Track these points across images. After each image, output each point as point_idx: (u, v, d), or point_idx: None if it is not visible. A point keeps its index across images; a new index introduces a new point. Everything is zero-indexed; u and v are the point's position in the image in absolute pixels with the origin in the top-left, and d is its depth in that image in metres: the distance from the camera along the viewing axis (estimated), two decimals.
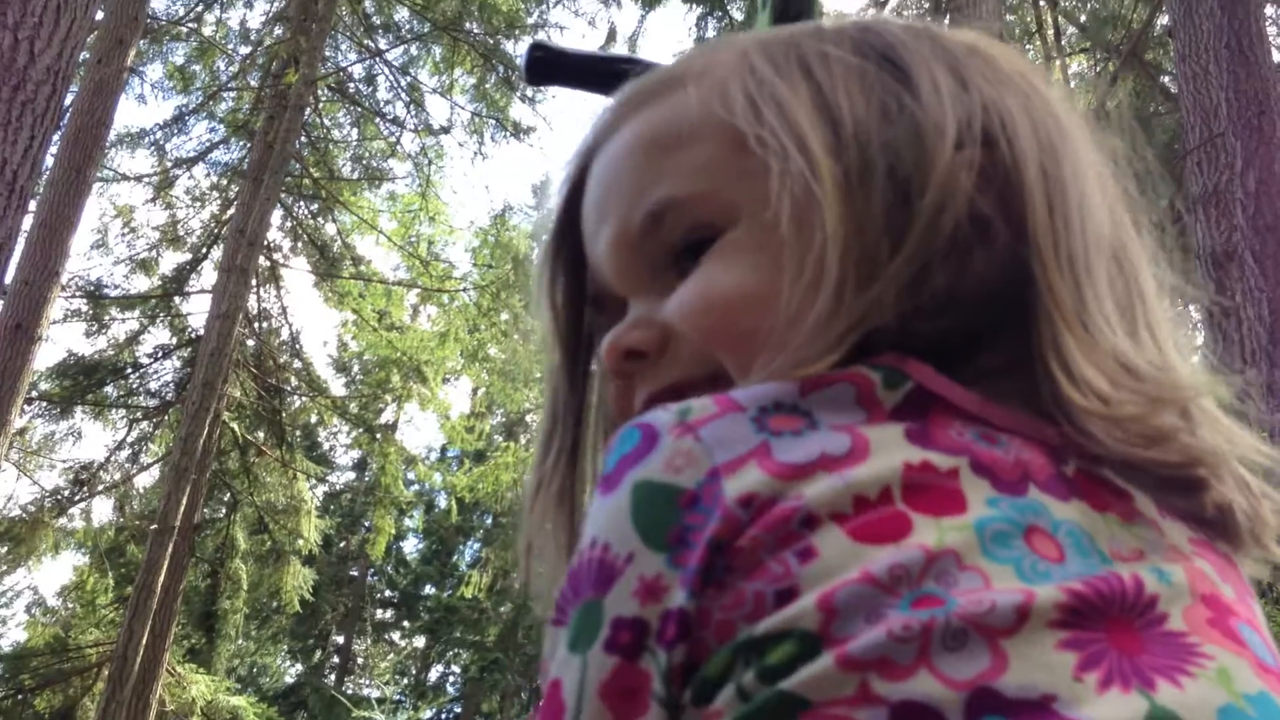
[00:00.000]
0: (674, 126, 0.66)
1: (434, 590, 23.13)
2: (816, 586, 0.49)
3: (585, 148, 0.73)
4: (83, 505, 13.09)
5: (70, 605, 14.88)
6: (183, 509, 10.32)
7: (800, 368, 0.56)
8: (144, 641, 10.03)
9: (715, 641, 0.51)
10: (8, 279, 7.97)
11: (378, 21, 12.94)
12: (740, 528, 0.51)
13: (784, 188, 0.60)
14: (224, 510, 14.28)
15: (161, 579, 10.23)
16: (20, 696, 13.48)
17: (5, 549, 13.05)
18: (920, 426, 0.54)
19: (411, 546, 23.92)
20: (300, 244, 13.09)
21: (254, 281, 11.82)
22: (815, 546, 0.50)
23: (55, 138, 8.68)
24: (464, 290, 13.74)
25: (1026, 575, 0.49)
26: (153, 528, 10.72)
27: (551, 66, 1.20)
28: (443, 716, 23.21)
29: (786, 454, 0.53)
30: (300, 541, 13.42)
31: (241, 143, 13.10)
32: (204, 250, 13.06)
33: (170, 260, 13.11)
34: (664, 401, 0.61)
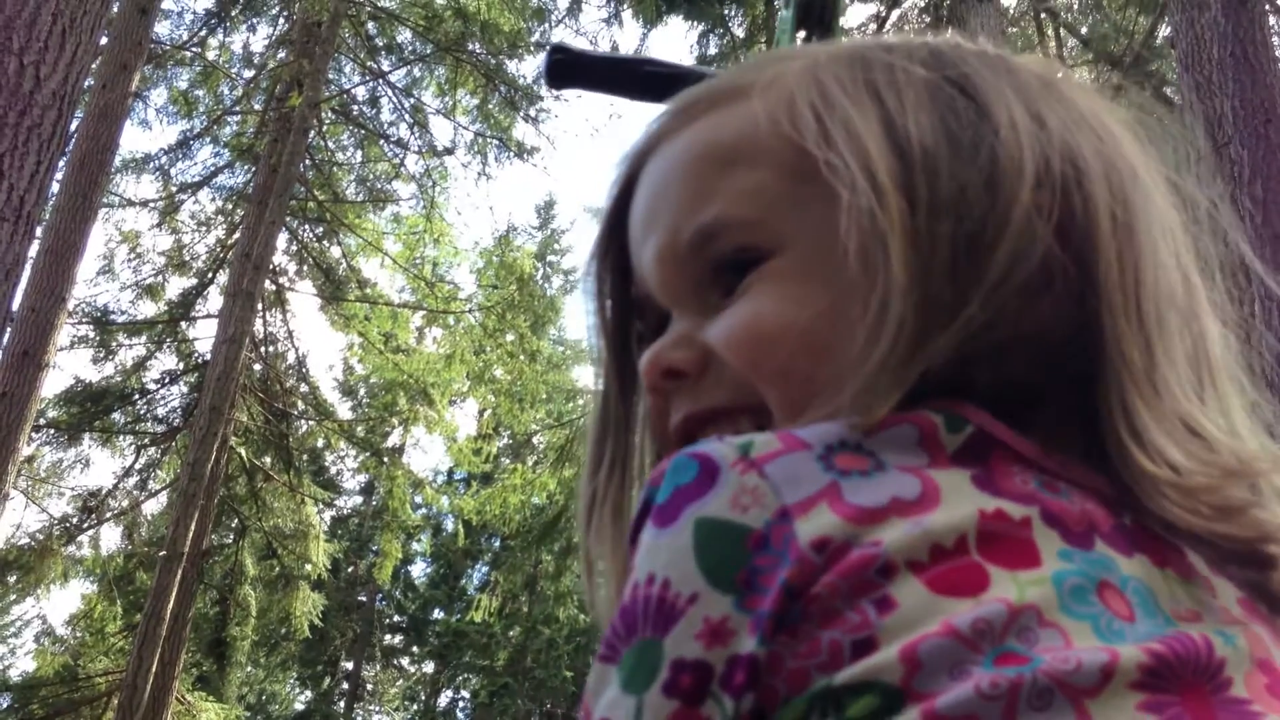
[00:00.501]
0: (735, 141, 0.64)
1: (442, 614, 23.06)
2: (898, 638, 0.47)
3: (640, 149, 0.70)
4: (91, 533, 13.08)
5: (79, 634, 14.87)
6: (191, 535, 10.31)
7: (863, 410, 0.55)
8: (153, 669, 10.01)
9: (788, 690, 0.49)
10: (15, 306, 7.98)
11: (380, 43, 12.99)
12: (815, 573, 0.49)
13: (851, 220, 0.57)
14: (232, 536, 14.27)
15: (170, 606, 10.20)
16: None
17: (14, 578, 13.02)
18: (984, 473, 0.53)
19: (420, 571, 23.87)
20: (306, 267, 13.10)
21: (260, 305, 11.83)
22: (894, 597, 0.48)
23: (61, 164, 8.71)
24: (469, 311, 13.75)
25: (1104, 634, 0.48)
26: (161, 554, 10.70)
27: (571, 69, 1.18)
28: None
29: (857, 496, 0.51)
30: (309, 566, 13.40)
31: (246, 167, 13.14)
32: (210, 275, 13.08)
33: (176, 285, 13.15)
34: (699, 424, 0.62)
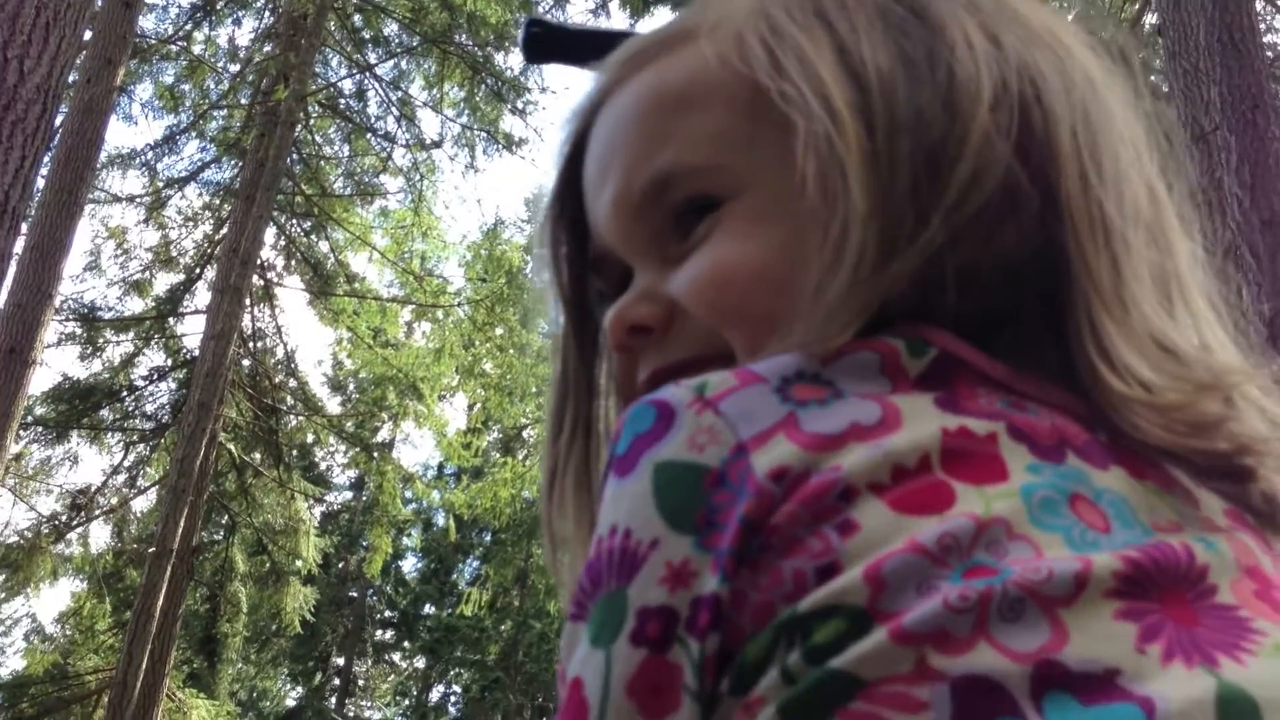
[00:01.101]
0: (685, 84, 0.63)
1: (433, 609, 23.06)
2: (861, 560, 0.46)
3: (588, 104, 0.69)
4: (80, 530, 13.02)
5: (69, 632, 14.82)
6: (180, 531, 10.28)
7: (821, 341, 0.54)
8: (144, 667, 9.98)
9: (753, 625, 0.48)
10: (0, 302, 7.94)
11: (367, 36, 12.94)
12: (774, 504, 0.49)
13: (808, 148, 0.56)
14: (222, 532, 14.24)
15: (160, 603, 10.17)
16: None
17: (3, 576, 12.98)
18: (948, 394, 0.52)
19: (410, 565, 23.86)
20: (294, 262, 13.06)
21: (248, 301, 11.79)
22: (856, 520, 0.47)
23: (45, 159, 8.66)
24: (458, 305, 13.73)
25: (1077, 544, 0.47)
26: (151, 551, 10.67)
27: (549, 43, 1.17)
28: None
29: (815, 424, 0.50)
30: (299, 562, 13.38)
31: (233, 161, 13.09)
32: (197, 271, 13.04)
33: (164, 281, 13.10)
34: (668, 378, 0.58)
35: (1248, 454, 0.52)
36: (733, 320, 0.60)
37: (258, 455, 13.24)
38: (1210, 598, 0.46)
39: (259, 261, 11.82)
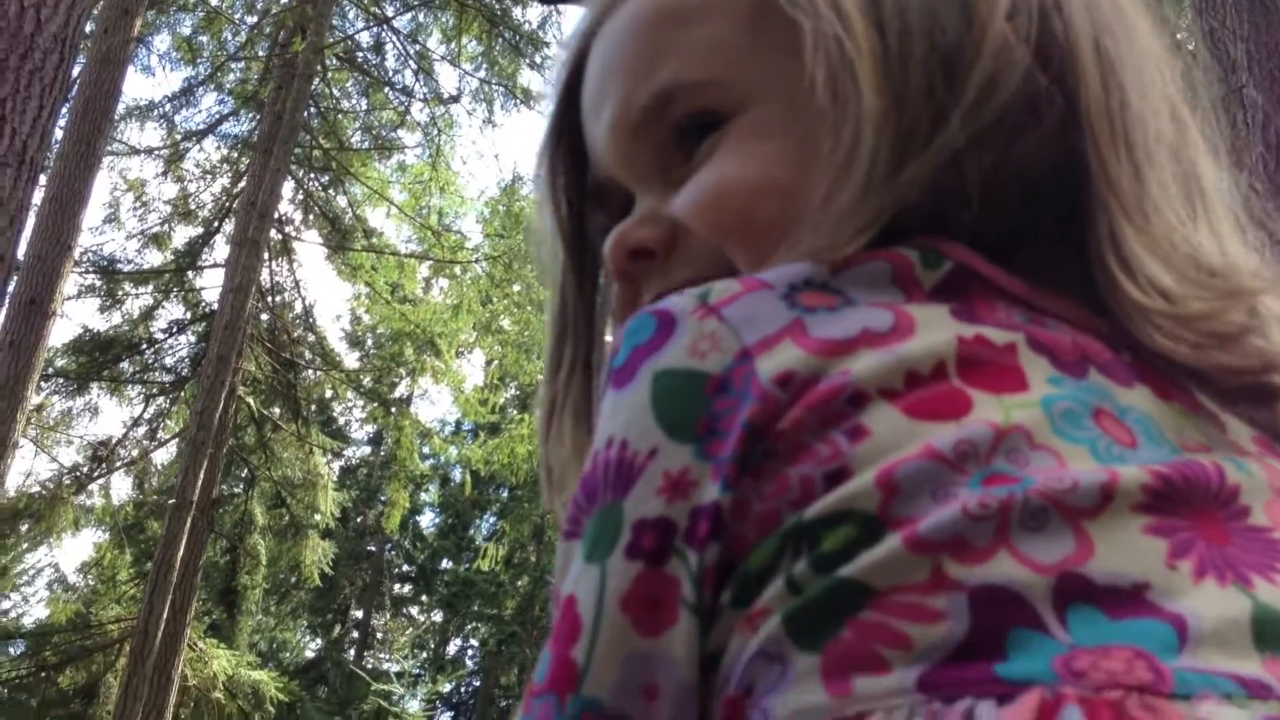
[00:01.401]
0: None
1: (451, 564, 23.22)
2: (872, 465, 0.44)
3: (585, 28, 0.67)
4: (101, 482, 13.13)
5: (91, 582, 14.98)
6: (200, 484, 10.35)
7: (830, 249, 0.52)
8: (164, 616, 10.07)
9: (756, 534, 0.46)
10: (20, 253, 7.97)
11: None
12: (779, 409, 0.47)
13: (817, 50, 0.54)
14: (241, 486, 14.34)
15: (180, 554, 10.25)
16: (44, 673, 13.58)
17: (26, 526, 13.11)
18: (965, 306, 0.50)
19: (428, 521, 24.02)
20: (312, 217, 13.06)
21: (266, 255, 11.80)
22: (866, 425, 0.46)
23: (64, 110, 8.66)
24: (476, 261, 13.71)
25: (1102, 456, 0.45)
26: (171, 502, 10.75)
27: None
28: (461, 690, 23.34)
29: (824, 330, 0.48)
30: (318, 516, 13.47)
31: (251, 114, 13.06)
32: (216, 224, 13.05)
33: (182, 234, 13.11)
34: None
35: (1275, 371, 0.50)
36: (736, 235, 0.58)
37: (276, 409, 13.31)
38: (1243, 519, 0.44)
39: (277, 215, 11.82)
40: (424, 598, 23.77)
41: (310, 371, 13.62)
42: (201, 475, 10.32)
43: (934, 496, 0.43)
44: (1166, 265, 0.51)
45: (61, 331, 13.64)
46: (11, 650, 14.70)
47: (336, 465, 17.80)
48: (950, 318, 0.49)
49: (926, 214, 0.53)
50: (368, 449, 21.89)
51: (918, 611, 0.41)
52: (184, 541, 10.27)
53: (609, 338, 0.70)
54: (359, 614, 22.98)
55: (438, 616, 23.96)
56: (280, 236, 12.55)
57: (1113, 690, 0.38)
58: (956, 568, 0.41)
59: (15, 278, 8.00)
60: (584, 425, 0.67)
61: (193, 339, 13.17)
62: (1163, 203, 0.53)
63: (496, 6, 12.27)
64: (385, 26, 12.67)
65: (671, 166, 0.61)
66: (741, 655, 0.45)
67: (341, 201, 13.10)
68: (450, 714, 23.57)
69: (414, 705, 18.91)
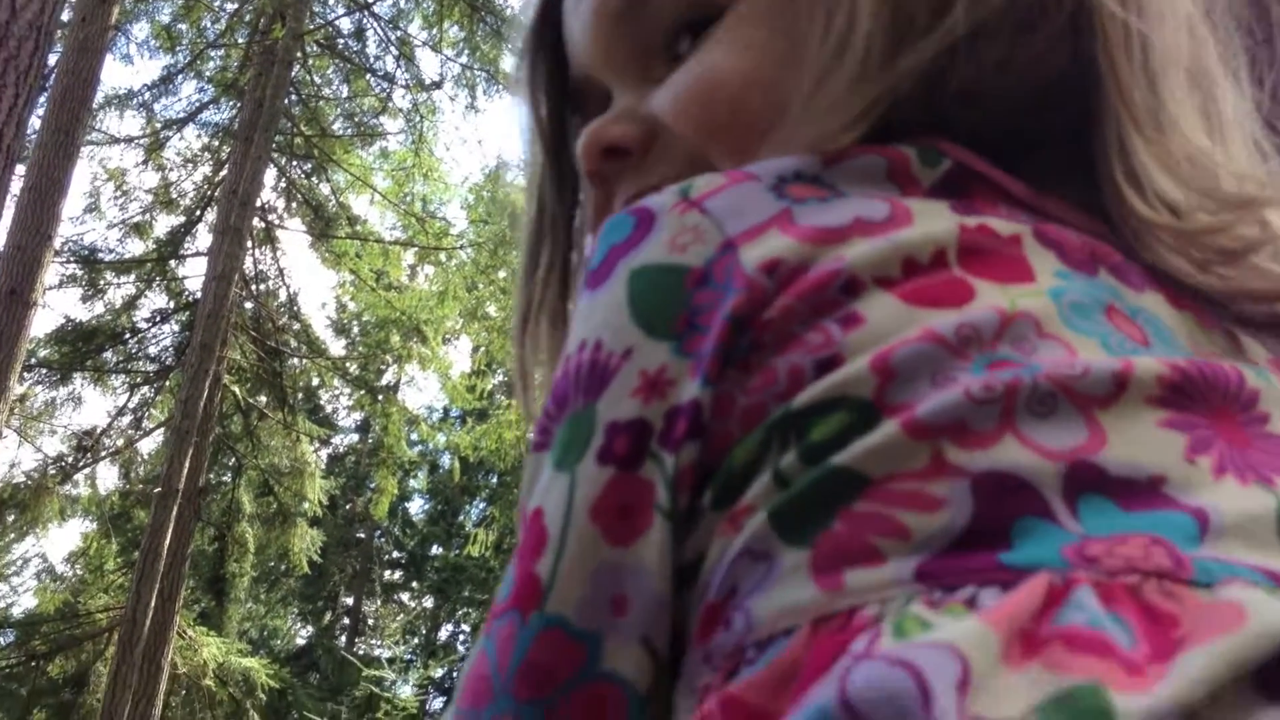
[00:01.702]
0: None
1: (441, 550, 23.21)
2: (866, 351, 0.42)
3: None
4: (87, 471, 13.10)
5: (79, 571, 14.95)
6: (186, 472, 10.33)
7: (821, 141, 0.49)
8: (152, 604, 10.05)
9: (740, 430, 0.43)
10: (0, 244, 7.92)
11: None
12: (765, 298, 0.44)
13: None
14: (229, 475, 14.30)
15: (167, 542, 10.23)
16: (33, 662, 13.57)
17: (12, 516, 13.08)
18: (965, 202, 0.47)
19: (417, 507, 24.00)
20: (295, 204, 13.00)
21: (249, 243, 11.76)
22: (860, 312, 0.43)
23: (41, 100, 8.60)
24: (461, 248, 13.67)
25: (1114, 350, 0.42)
26: (156, 490, 10.73)
27: None
28: (453, 675, 23.36)
29: (814, 219, 0.45)
30: (306, 504, 13.44)
31: (231, 102, 12.98)
32: (198, 212, 12.98)
33: (164, 223, 13.04)
34: None
35: None
36: (723, 132, 0.55)
37: (263, 398, 13.27)
38: (1262, 425, 0.42)
39: (259, 203, 11.77)
40: (414, 584, 23.77)
41: (296, 359, 13.58)
42: (187, 463, 10.30)
43: (933, 381, 0.41)
44: (1176, 180, 0.49)
45: (44, 322, 13.59)
46: (0, 640, 14.65)
47: (324, 453, 17.78)
48: (950, 210, 0.46)
49: (925, 111, 0.50)
50: (355, 436, 21.86)
51: (916, 499, 0.39)
52: (171, 530, 10.25)
53: (587, 249, 0.65)
54: (349, 601, 22.97)
55: (428, 602, 23.96)
56: (263, 224, 12.50)
57: (1129, 575, 0.35)
58: (958, 453, 0.39)
59: None
60: (560, 331, 0.65)
61: (176, 328, 13.11)
62: (1177, 116, 0.51)
63: None
64: (366, 12, 12.59)
65: (652, 63, 0.59)
66: (724, 558, 0.42)
67: (324, 189, 13.04)
68: (442, 699, 23.61)
69: (406, 691, 18.91)
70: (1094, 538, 0.36)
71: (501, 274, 13.85)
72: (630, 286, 0.46)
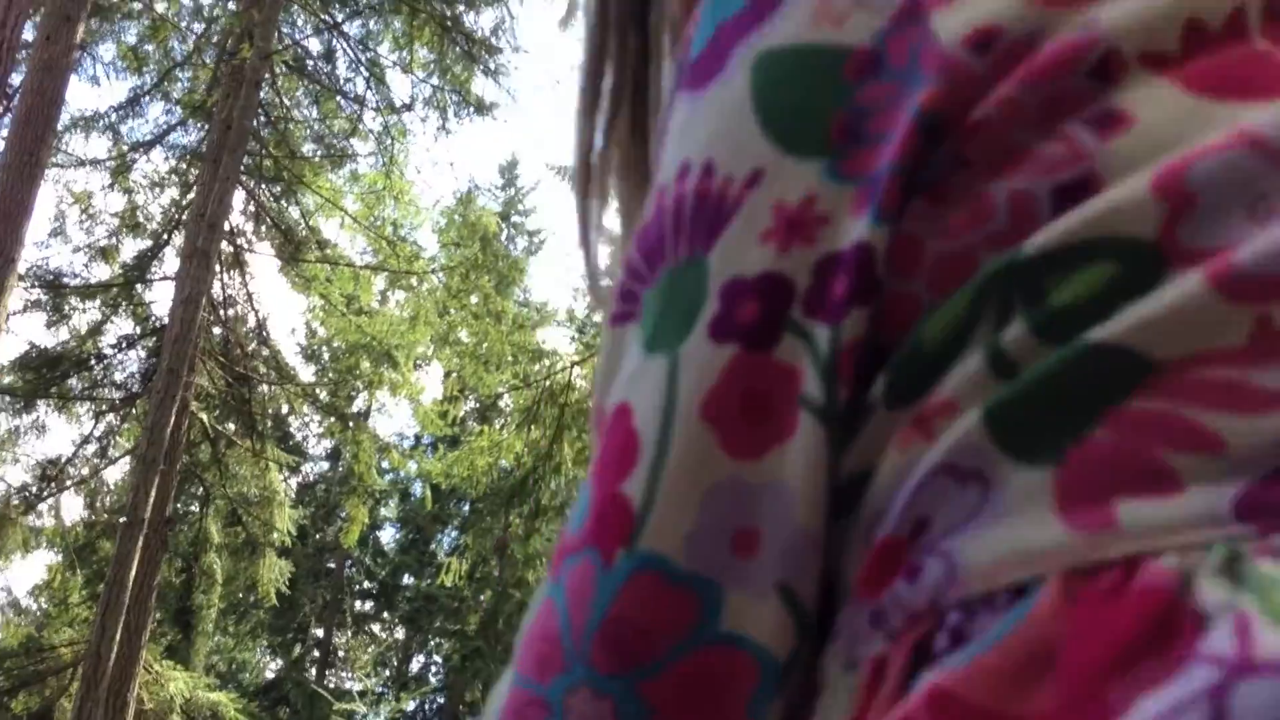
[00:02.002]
0: None
1: (413, 580, 23.00)
2: (1142, 166, 0.29)
3: None
4: (51, 502, 12.89)
5: (43, 605, 14.74)
6: (152, 501, 10.13)
7: None
8: (117, 637, 9.84)
9: (932, 291, 0.31)
10: None
11: None
12: (974, 89, 0.31)
13: None
14: (196, 504, 14.13)
15: (133, 573, 10.03)
16: None
17: None
18: None
19: (389, 536, 23.79)
20: (264, 228, 12.86)
21: (217, 267, 11.61)
22: (1124, 108, 0.30)
23: (5, 120, 8.48)
24: (433, 271, 13.57)
25: None
26: (122, 520, 10.53)
27: None
28: (426, 707, 23.09)
29: None
30: (275, 534, 13.27)
31: (199, 124, 12.85)
32: (165, 236, 12.82)
33: (131, 248, 12.87)
34: None
35: None
36: None
37: (231, 425, 13.10)
38: None
39: (228, 227, 11.63)
40: (386, 614, 23.52)
41: (265, 386, 13.42)
42: (154, 492, 10.12)
43: (1253, 212, 0.28)
44: None
45: (7, 348, 13.39)
46: None
47: (293, 482, 17.56)
48: None
49: None
50: (325, 465, 21.65)
51: (1234, 394, 0.27)
52: (137, 560, 10.05)
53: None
54: (319, 632, 22.70)
55: (400, 633, 23.72)
56: (232, 249, 12.36)
57: None
58: None
59: None
60: (634, 176, 0.50)
61: (143, 354, 12.94)
62: None
63: (448, 12, 12.15)
64: (335, 33, 12.51)
65: None
66: (906, 477, 0.30)
67: (294, 212, 12.90)
68: None
69: None
70: None
71: (474, 299, 13.77)
72: (755, 80, 0.33)
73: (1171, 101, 0.30)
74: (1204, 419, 0.27)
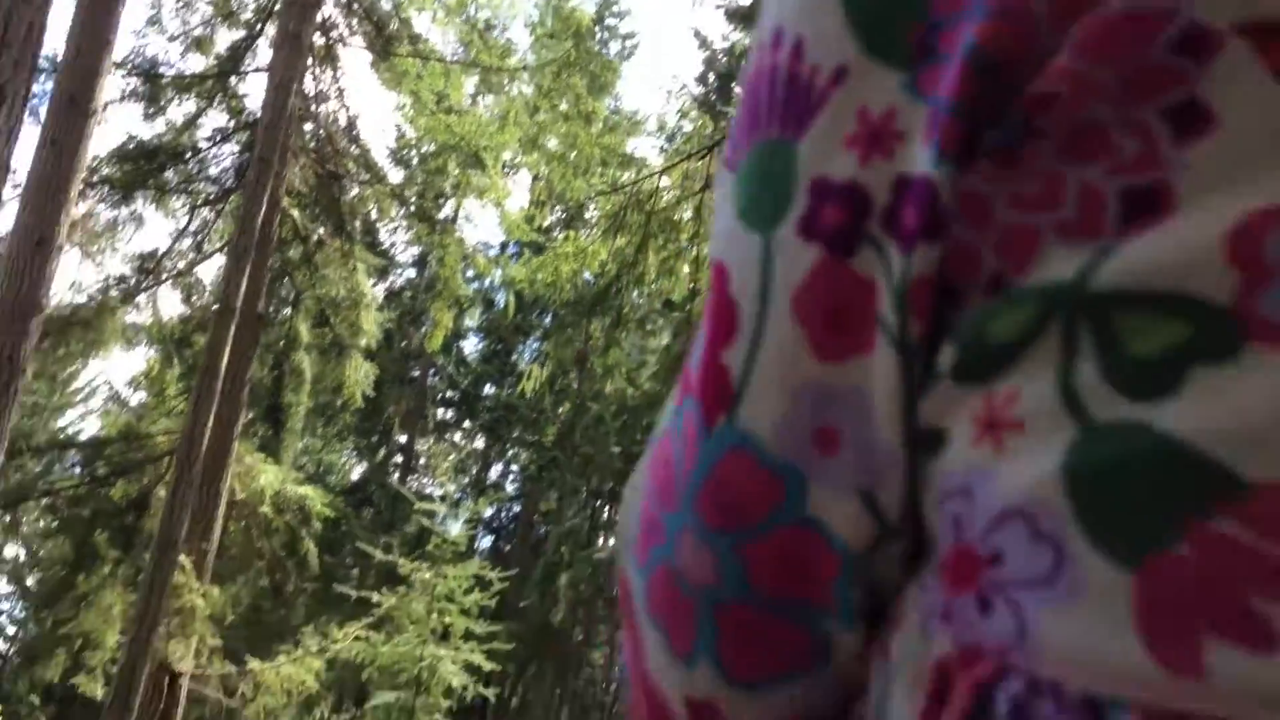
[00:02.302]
0: None
1: (494, 389, 23.43)
2: (1216, 194, 0.26)
3: None
4: (150, 295, 13.20)
5: (142, 396, 15.27)
6: (244, 292, 10.33)
7: None
8: (209, 425, 10.14)
9: (1000, 257, 0.28)
10: (58, 50, 7.80)
11: None
12: (1031, 28, 0.28)
13: None
14: (288, 308, 14.38)
15: (225, 363, 10.27)
16: (97, 485, 13.92)
17: (75, 339, 13.24)
18: None
19: (472, 346, 24.20)
20: (356, 20, 12.71)
21: (310, 59, 11.54)
22: (1209, 102, 0.26)
23: None
24: (524, 69, 13.37)
25: None
26: (215, 308, 10.77)
27: None
28: (502, 514, 23.80)
29: None
30: (361, 336, 13.50)
31: None
32: (259, 26, 12.74)
33: (225, 38, 12.84)
34: None
35: None
36: None
37: (321, 226, 13.23)
38: None
39: (320, 19, 11.51)
40: (467, 423, 24.07)
41: (355, 185, 13.47)
42: (245, 283, 10.30)
43: None
44: None
45: (107, 139, 13.54)
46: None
47: (380, 288, 17.81)
48: None
49: None
50: (412, 271, 21.88)
51: None
52: (228, 350, 10.29)
53: None
54: (403, 439, 23.33)
55: (480, 442, 24.31)
56: (324, 41, 12.25)
57: None
58: None
59: (57, 74, 7.86)
60: None
61: (236, 149, 13.02)
62: None
63: None
64: None
65: None
66: (984, 485, 0.28)
67: (385, 4, 12.72)
68: (491, 538, 24.10)
69: (456, 528, 19.31)
70: None
71: (564, 103, 13.57)
72: None
73: (1267, 99, 0.26)
74: None
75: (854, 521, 0.32)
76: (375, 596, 11.47)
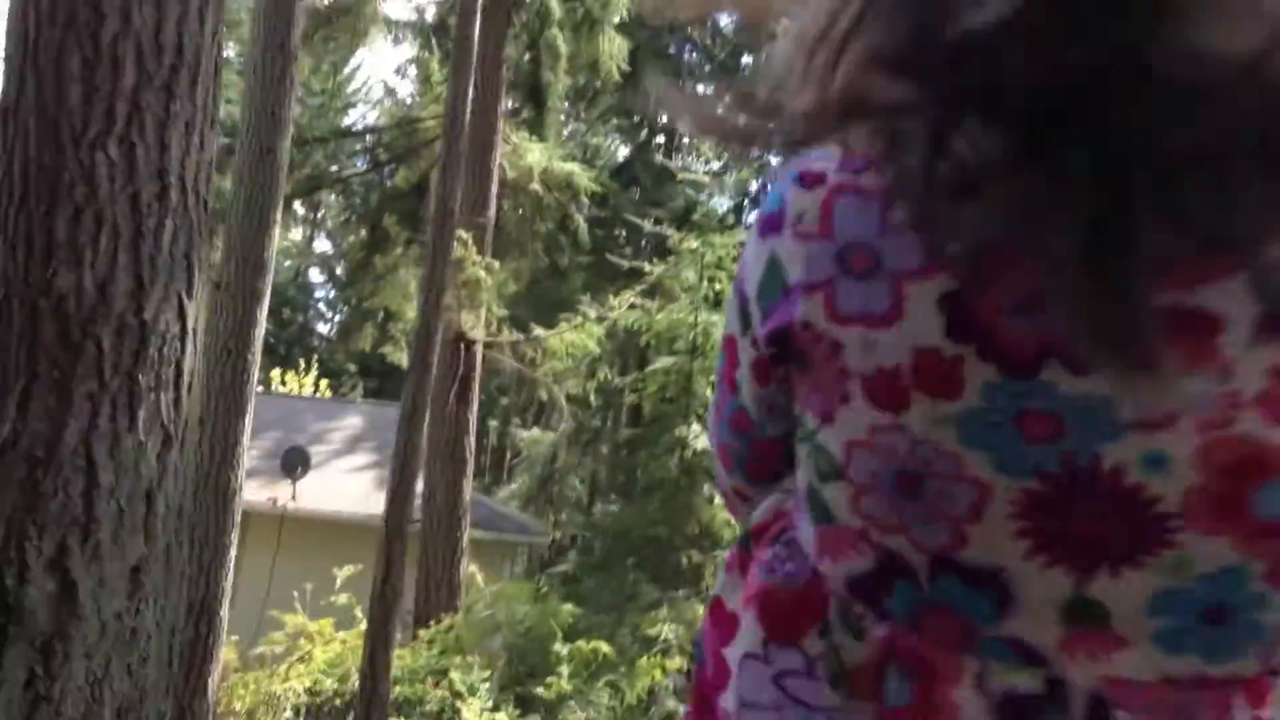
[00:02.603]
0: None
1: (750, 59, 22.96)
2: None
3: None
4: None
5: (410, 86, 15.85)
6: None
7: None
8: (469, 97, 10.35)
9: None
10: None
11: None
12: None
13: None
14: None
15: (476, 36, 10.38)
16: (380, 170, 14.83)
17: (338, 30, 13.79)
18: None
19: (725, 17, 23.60)
20: None
21: None
22: None
23: None
24: None
25: None
26: None
27: None
28: (767, 187, 23.79)
29: None
30: (611, 9, 13.40)
31: None
32: None
33: None
34: None
35: None
36: None
37: None
38: None
39: None
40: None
41: None
42: None
43: None
44: None
45: None
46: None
47: None
48: None
49: None
50: None
51: None
52: (478, 19, 10.39)
53: None
54: (664, 117, 23.39)
55: None
56: None
57: None
58: None
59: None
60: None
61: None
62: None
63: None
64: None
65: None
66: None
67: None
68: (755, 210, 24.27)
69: (724, 203, 19.49)
70: None
71: None
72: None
73: None
74: None
75: None
76: (646, 266, 11.76)
